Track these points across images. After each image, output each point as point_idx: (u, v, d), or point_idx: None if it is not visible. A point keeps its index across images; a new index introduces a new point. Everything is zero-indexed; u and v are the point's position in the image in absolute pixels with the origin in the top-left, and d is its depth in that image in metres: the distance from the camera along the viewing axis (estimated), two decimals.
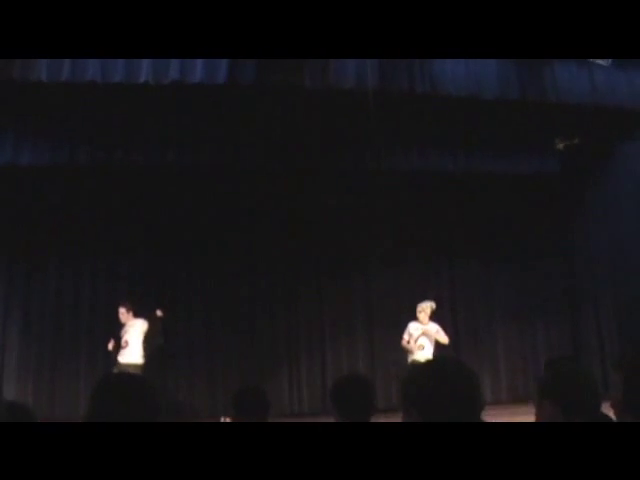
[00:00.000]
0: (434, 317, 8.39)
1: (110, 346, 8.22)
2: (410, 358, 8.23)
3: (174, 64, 6.85)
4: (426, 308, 8.43)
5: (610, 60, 8.06)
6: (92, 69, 6.74)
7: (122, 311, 8.33)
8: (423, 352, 8.19)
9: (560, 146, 9.82)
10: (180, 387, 9.62)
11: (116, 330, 8.40)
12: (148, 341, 8.28)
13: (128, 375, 2.32)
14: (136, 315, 8.33)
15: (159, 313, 8.39)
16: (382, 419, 2.41)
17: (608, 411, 2.15)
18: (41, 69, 6.64)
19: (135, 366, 7.98)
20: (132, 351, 8.17)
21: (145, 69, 6.83)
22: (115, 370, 8.05)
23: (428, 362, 1.97)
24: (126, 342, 8.17)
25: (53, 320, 9.48)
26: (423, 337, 8.23)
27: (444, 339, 8.24)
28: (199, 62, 6.91)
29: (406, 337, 8.26)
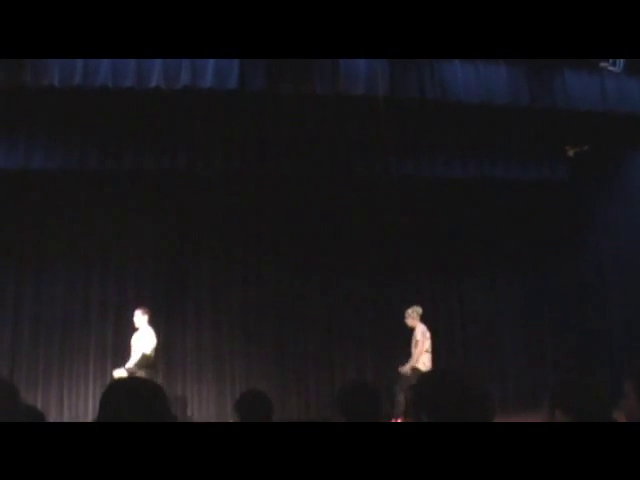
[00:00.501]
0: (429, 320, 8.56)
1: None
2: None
3: (185, 69, 6.87)
4: (412, 313, 8.57)
5: (621, 67, 8.04)
6: (103, 74, 6.76)
7: (138, 313, 8.32)
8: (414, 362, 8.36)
9: (570, 153, 9.80)
10: (188, 395, 9.62)
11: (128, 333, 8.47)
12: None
13: (138, 380, 2.31)
14: (150, 321, 8.33)
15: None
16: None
17: (619, 419, 2.14)
18: (53, 74, 6.66)
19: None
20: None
21: (156, 74, 6.85)
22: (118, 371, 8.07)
23: (438, 369, 1.97)
24: (134, 352, 8.18)
25: (62, 324, 9.49)
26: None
27: (419, 350, 8.34)
28: (210, 68, 6.93)
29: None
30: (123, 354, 8.64)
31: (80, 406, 9.23)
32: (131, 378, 3.87)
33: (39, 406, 7.99)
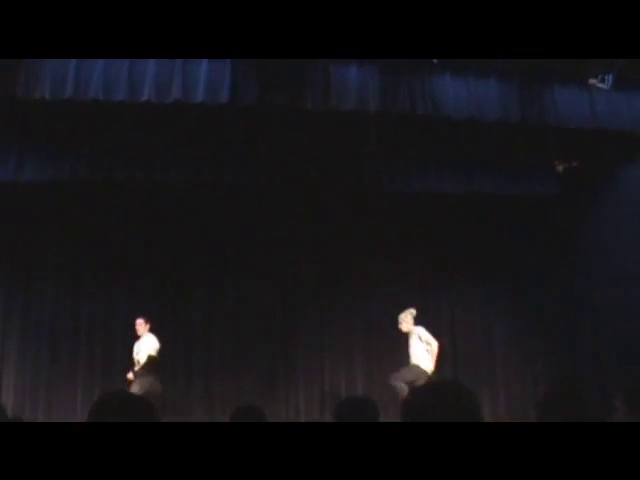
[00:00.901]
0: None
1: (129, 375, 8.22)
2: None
3: (177, 83, 6.90)
4: (405, 317, 8.57)
5: (610, 84, 8.10)
6: (95, 87, 6.78)
7: (140, 322, 8.39)
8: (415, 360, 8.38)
9: (560, 169, 9.84)
10: (177, 405, 9.57)
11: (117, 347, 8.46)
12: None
13: (126, 394, 2.31)
14: (152, 329, 8.39)
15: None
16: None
17: None
18: (44, 87, 6.67)
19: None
20: None
21: (148, 88, 6.87)
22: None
23: (429, 383, 1.97)
24: (138, 362, 8.20)
25: (51, 332, 9.48)
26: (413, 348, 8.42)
27: (433, 352, 8.38)
28: (201, 82, 6.96)
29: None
30: (112, 368, 8.62)
31: (68, 415, 9.14)
32: (119, 393, 3.84)
33: (27, 414, 8.00)
